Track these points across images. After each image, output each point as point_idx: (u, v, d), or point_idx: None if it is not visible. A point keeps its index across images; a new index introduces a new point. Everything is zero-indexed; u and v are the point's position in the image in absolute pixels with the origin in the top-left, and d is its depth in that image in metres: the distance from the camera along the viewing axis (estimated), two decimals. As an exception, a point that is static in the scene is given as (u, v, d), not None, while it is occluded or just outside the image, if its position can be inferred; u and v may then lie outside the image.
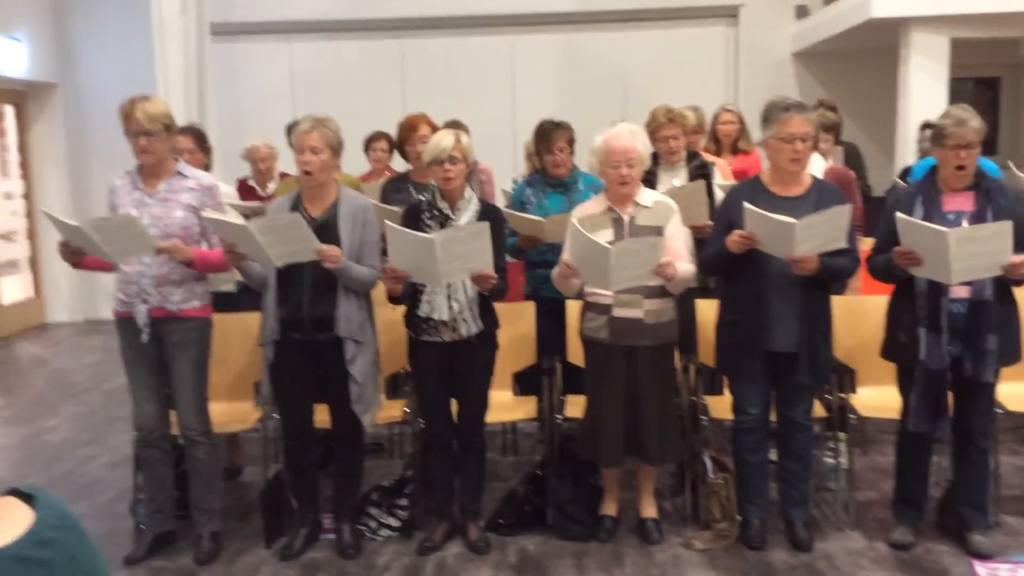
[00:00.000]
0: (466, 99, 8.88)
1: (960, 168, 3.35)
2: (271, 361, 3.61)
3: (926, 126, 6.48)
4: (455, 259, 3.26)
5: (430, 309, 3.55)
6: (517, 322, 4.36)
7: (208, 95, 7.59)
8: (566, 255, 3.50)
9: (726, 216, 3.60)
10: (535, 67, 9.51)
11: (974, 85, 9.27)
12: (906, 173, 5.84)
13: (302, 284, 3.54)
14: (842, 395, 4.02)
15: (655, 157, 4.61)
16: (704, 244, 3.90)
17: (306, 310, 3.53)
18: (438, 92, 9.10)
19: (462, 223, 3.51)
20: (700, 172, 4.49)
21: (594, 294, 3.61)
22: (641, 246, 3.32)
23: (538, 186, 4.51)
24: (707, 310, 4.06)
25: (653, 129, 4.53)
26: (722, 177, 4.62)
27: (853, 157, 6.00)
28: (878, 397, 4.04)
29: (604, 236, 3.53)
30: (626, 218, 3.60)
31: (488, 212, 3.62)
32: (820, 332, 3.51)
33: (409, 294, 3.58)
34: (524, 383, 4.58)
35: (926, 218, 3.38)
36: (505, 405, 4.22)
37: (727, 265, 3.57)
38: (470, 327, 3.56)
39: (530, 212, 4.43)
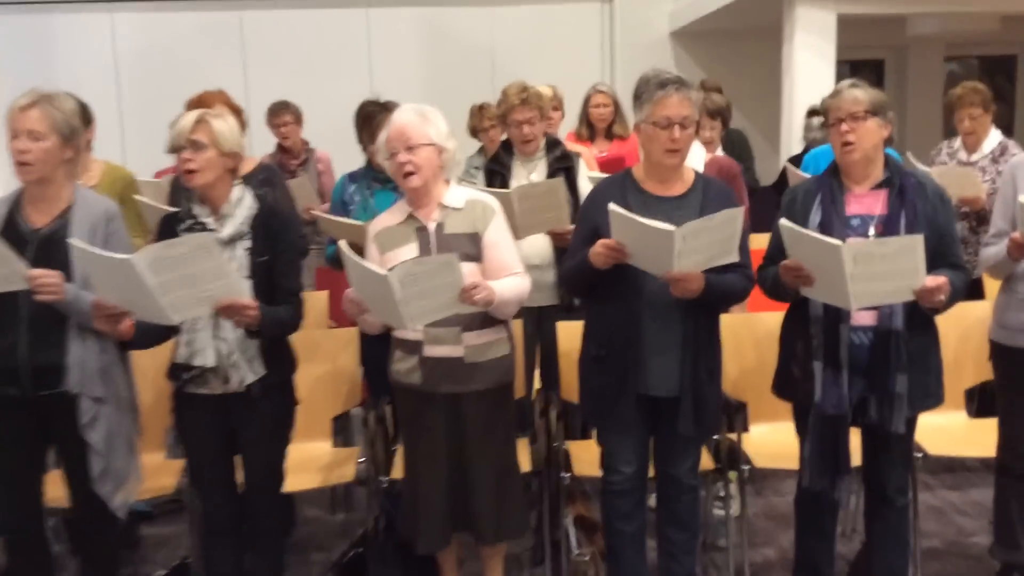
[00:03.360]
0: (316, 78, 7.98)
1: (846, 145, 2.68)
2: (-23, 426, 2.64)
3: (812, 113, 5.90)
4: (179, 286, 2.37)
5: (189, 352, 2.64)
6: (340, 353, 3.50)
7: (-2, 71, 6.41)
8: (351, 288, 2.66)
9: (590, 220, 2.81)
10: (394, 43, 8.61)
11: (860, 68, 8.80)
12: (796, 162, 5.18)
13: (17, 322, 2.58)
14: (732, 435, 3.32)
15: (508, 146, 3.82)
16: (565, 255, 3.11)
17: (23, 357, 2.58)
18: (284, 70, 8.13)
19: (225, 234, 2.62)
20: (561, 165, 3.70)
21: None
22: (432, 267, 2.50)
23: (363, 182, 3.63)
24: (571, 335, 3.29)
25: (504, 111, 3.73)
26: (588, 169, 3.85)
27: (739, 144, 5.34)
28: (775, 437, 3.33)
29: (408, 252, 2.73)
30: (431, 226, 2.78)
31: (268, 217, 2.72)
32: (707, 370, 2.75)
33: (156, 333, 2.65)
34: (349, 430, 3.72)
35: (825, 222, 2.69)
36: (318, 462, 3.33)
37: (592, 283, 2.79)
38: (244, 374, 2.66)
39: (352, 213, 3.57)
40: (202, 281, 2.39)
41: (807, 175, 4.21)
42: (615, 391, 2.77)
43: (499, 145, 3.91)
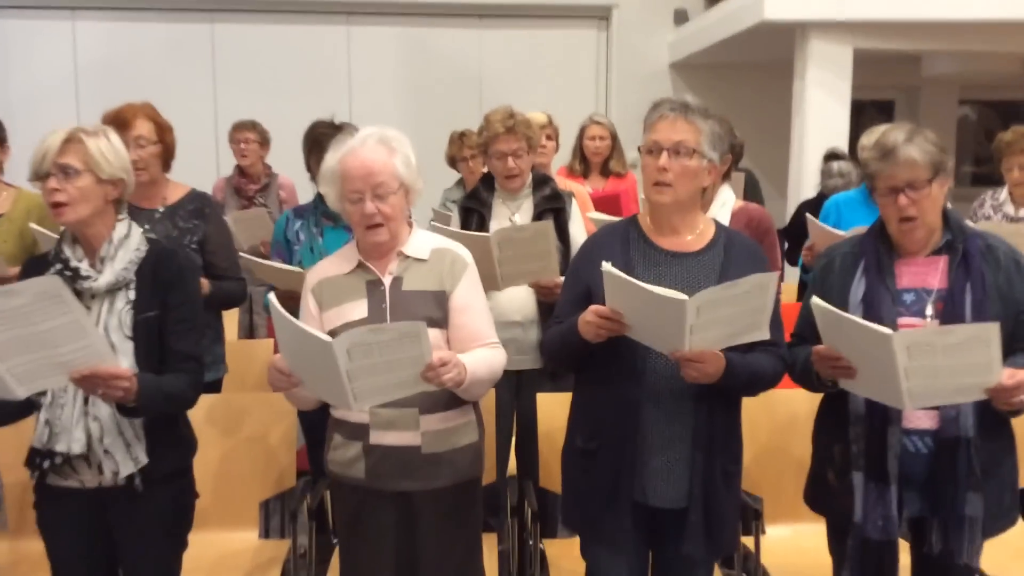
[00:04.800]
0: (291, 98, 7.48)
1: (907, 220, 2.12)
2: None
3: (831, 156, 5.36)
4: (23, 349, 1.81)
5: (50, 435, 2.04)
6: (275, 422, 2.91)
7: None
8: (278, 354, 2.09)
9: (582, 278, 2.25)
10: (376, 63, 8.14)
11: (866, 108, 8.31)
12: (811, 207, 4.59)
13: None
14: (746, 539, 2.74)
15: (489, 181, 3.27)
16: (551, 316, 2.54)
17: None
18: (257, 87, 7.67)
19: (102, 282, 2.04)
20: (550, 206, 3.14)
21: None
22: (392, 336, 1.93)
23: (310, 218, 3.06)
24: (555, 410, 2.73)
25: (486, 140, 3.17)
26: (581, 209, 3.29)
27: (752, 188, 4.80)
28: (799, 543, 2.77)
29: (354, 311, 2.18)
30: (387, 280, 2.22)
31: (159, 262, 2.15)
32: (723, 473, 2.18)
33: (5, 411, 2.03)
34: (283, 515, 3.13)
35: (870, 298, 2.13)
36: (238, 560, 2.71)
37: (580, 357, 2.22)
38: (120, 463, 2.06)
39: (297, 255, 3.00)
40: (54, 342, 1.81)
41: (828, 226, 3.67)
42: (605, 497, 2.19)
43: (479, 179, 3.36)
